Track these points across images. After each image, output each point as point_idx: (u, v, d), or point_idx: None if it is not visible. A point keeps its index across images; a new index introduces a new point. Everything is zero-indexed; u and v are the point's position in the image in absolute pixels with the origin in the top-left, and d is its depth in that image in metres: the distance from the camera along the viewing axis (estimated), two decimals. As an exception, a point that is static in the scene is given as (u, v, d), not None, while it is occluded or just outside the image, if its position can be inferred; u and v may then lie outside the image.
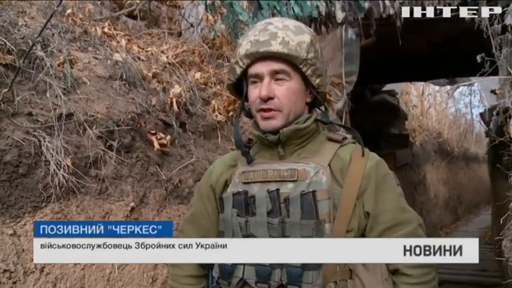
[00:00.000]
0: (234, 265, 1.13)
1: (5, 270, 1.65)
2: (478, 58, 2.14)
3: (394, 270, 1.15)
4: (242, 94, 1.21)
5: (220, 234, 1.20)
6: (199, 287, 1.28)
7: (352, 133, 1.26)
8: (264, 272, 1.10)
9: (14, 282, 1.65)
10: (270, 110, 1.14)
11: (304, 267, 1.07)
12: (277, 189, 1.12)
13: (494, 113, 2.08)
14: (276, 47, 1.11)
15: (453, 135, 12.70)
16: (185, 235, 1.29)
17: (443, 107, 12.77)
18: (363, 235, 1.16)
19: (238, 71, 1.17)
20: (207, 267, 1.26)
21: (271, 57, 1.12)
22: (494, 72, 2.37)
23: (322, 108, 1.25)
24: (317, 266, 1.07)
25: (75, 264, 1.89)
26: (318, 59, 1.16)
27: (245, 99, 1.21)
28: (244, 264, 1.13)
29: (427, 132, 10.34)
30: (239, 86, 1.22)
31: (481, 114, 5.44)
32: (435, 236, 7.96)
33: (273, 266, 1.10)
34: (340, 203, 1.12)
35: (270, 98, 1.13)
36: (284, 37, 1.12)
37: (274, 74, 1.13)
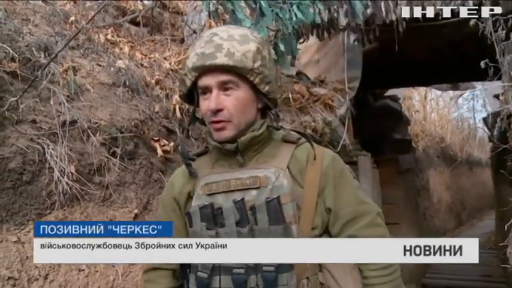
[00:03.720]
0: (211, 276, 1.14)
1: (9, 278, 1.65)
2: (482, 64, 2.14)
3: None
4: (194, 102, 1.23)
5: None
6: None
7: (302, 135, 1.26)
8: (240, 280, 1.11)
9: (18, 290, 1.65)
10: (220, 121, 1.15)
11: (278, 270, 1.09)
12: (243, 199, 1.13)
13: (498, 119, 2.07)
14: (221, 59, 1.11)
15: (456, 140, 12.68)
16: None
17: (445, 112, 12.76)
18: (326, 230, 1.20)
19: (188, 83, 1.18)
20: (181, 278, 1.23)
21: (218, 69, 1.13)
22: (497, 76, 2.36)
23: (274, 113, 1.24)
24: (290, 268, 1.10)
25: (79, 271, 1.88)
26: (266, 66, 1.16)
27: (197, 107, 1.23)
28: (220, 275, 1.13)
29: (429, 137, 10.33)
30: (191, 95, 1.23)
31: (484, 119, 5.44)
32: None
33: (248, 273, 1.11)
34: (303, 203, 1.15)
35: (219, 110, 1.14)
36: (229, 48, 1.12)
37: (222, 85, 1.14)
